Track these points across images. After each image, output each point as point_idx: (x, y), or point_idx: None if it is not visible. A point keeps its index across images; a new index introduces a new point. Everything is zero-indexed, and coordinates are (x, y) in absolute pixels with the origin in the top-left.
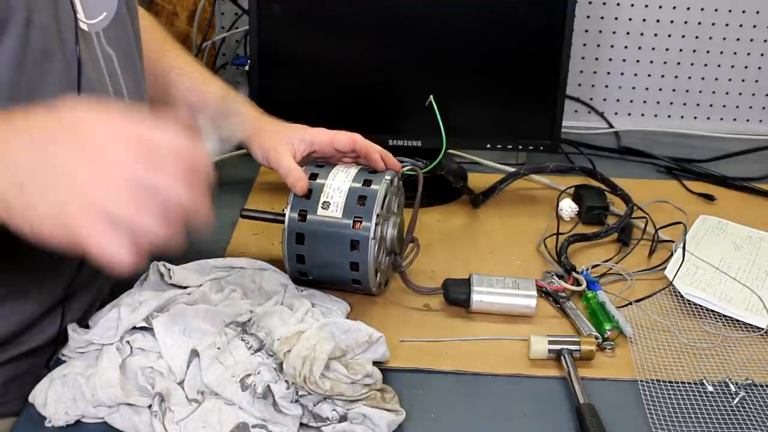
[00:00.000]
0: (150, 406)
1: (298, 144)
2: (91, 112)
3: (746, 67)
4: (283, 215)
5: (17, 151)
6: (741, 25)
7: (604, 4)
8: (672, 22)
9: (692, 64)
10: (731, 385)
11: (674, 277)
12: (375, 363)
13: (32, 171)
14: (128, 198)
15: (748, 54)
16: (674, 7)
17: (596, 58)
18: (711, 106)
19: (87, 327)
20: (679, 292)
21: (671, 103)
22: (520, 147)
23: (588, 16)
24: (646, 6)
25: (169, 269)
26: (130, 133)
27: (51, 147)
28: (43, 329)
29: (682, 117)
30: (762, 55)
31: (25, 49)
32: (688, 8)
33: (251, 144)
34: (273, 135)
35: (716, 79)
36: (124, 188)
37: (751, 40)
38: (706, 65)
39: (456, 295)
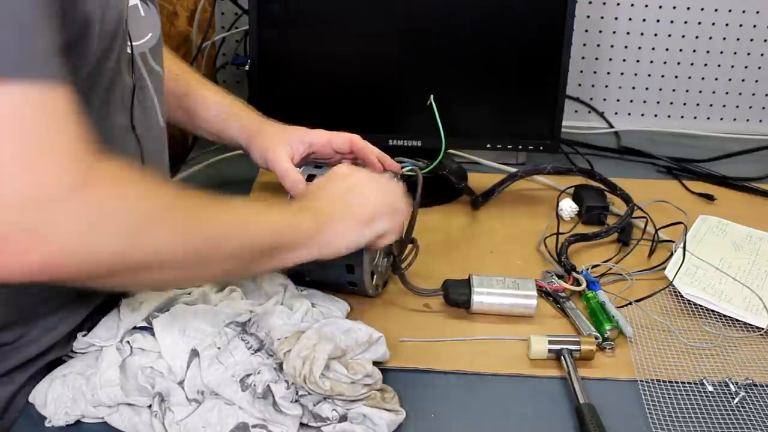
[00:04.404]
0: (150, 406)
1: (296, 145)
2: (351, 174)
3: (746, 67)
4: None
5: (329, 195)
6: (741, 25)
7: (604, 4)
8: (672, 22)
9: (692, 64)
10: (731, 385)
11: (674, 277)
12: (375, 363)
13: (342, 198)
14: (395, 204)
15: (748, 54)
16: (674, 7)
17: (596, 58)
18: (711, 106)
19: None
20: (679, 292)
21: (671, 103)
22: (520, 147)
23: (588, 16)
24: (646, 6)
25: None
26: (374, 179)
27: (347, 187)
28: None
29: (682, 117)
30: (762, 55)
31: (97, 78)
32: (688, 8)
33: (250, 146)
34: (271, 136)
35: (716, 79)
36: (390, 201)
37: (751, 40)
38: (706, 65)
39: (456, 297)
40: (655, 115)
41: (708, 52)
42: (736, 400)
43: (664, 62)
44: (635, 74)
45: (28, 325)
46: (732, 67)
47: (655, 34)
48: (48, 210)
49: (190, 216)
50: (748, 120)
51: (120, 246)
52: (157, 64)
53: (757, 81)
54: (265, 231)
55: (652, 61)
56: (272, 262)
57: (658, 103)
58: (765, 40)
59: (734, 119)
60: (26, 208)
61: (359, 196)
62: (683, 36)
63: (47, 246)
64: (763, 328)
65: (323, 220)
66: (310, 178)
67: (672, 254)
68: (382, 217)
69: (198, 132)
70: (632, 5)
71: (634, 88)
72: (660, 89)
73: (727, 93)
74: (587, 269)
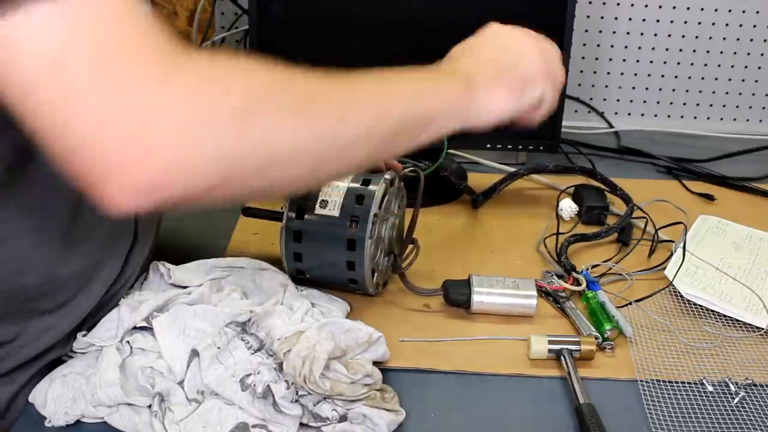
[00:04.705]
0: (150, 406)
1: None
2: (505, 32)
3: (746, 67)
4: (283, 213)
5: (478, 54)
6: (741, 25)
7: (604, 4)
8: (672, 22)
9: (692, 64)
10: (731, 385)
11: (674, 277)
12: (375, 363)
13: (495, 57)
14: (550, 82)
15: (748, 54)
16: (674, 7)
17: (596, 58)
18: (711, 106)
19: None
20: (679, 292)
21: (671, 103)
22: (520, 147)
23: (588, 16)
24: (646, 6)
25: (168, 269)
26: (530, 36)
27: (499, 47)
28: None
29: (682, 117)
30: (762, 55)
31: None
32: (688, 8)
33: None
34: None
35: (716, 79)
36: (547, 74)
37: (751, 40)
38: (706, 65)
39: (456, 297)
40: (655, 115)
41: (708, 52)
42: (736, 400)
43: (664, 62)
44: (635, 74)
45: (25, 323)
46: (732, 67)
47: (655, 34)
48: (140, 113)
49: (305, 92)
50: (748, 120)
51: (228, 137)
52: None
53: (757, 81)
54: (404, 103)
55: (652, 61)
56: (416, 138)
57: (658, 103)
58: (765, 40)
59: (734, 119)
60: (117, 117)
61: (514, 56)
62: (683, 36)
63: (150, 154)
64: (763, 328)
65: (473, 83)
66: None
67: (672, 254)
68: (538, 81)
69: None
70: (632, 5)
71: (634, 88)
72: (660, 89)
73: (727, 93)
74: (587, 269)
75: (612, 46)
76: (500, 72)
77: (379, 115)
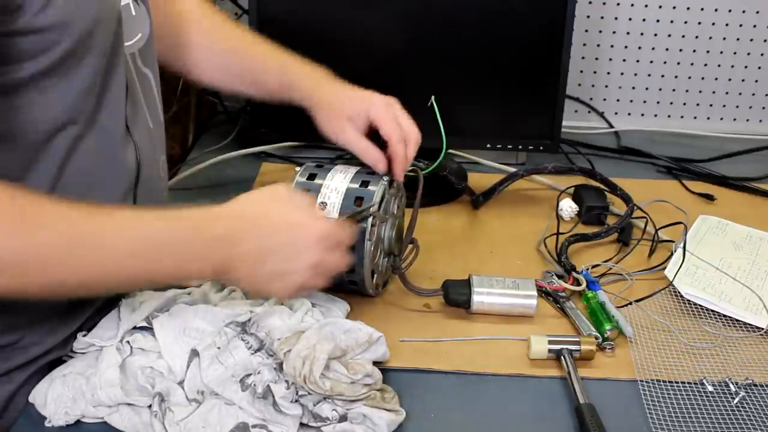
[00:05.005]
0: (150, 406)
1: (358, 120)
2: (286, 208)
3: (746, 67)
4: None
5: (241, 239)
6: (741, 25)
7: (604, 4)
8: (672, 22)
9: (692, 64)
10: (731, 385)
11: (674, 277)
12: (375, 363)
13: (253, 253)
14: (315, 275)
15: (748, 54)
16: (674, 7)
17: (596, 58)
18: (711, 106)
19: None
20: (679, 292)
21: (671, 103)
22: (520, 147)
23: (588, 16)
24: (646, 6)
25: None
26: (315, 230)
27: (267, 242)
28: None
29: (682, 117)
30: (762, 55)
31: (107, 78)
32: (688, 8)
33: (314, 115)
34: (339, 109)
35: (716, 79)
36: (313, 270)
37: (751, 40)
38: (706, 65)
39: (456, 297)
40: (655, 115)
41: (708, 52)
42: (736, 400)
43: (664, 62)
44: (635, 74)
45: (29, 328)
46: (732, 67)
47: (655, 34)
48: None
49: (52, 261)
50: (748, 120)
51: None
52: (146, 65)
53: (757, 81)
54: (154, 272)
55: (652, 61)
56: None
57: (658, 103)
58: (765, 40)
59: (734, 119)
60: None
61: (286, 251)
62: (683, 36)
63: None
64: (763, 328)
65: (235, 257)
66: (310, 177)
67: (672, 254)
68: (298, 276)
69: (260, 98)
70: (632, 5)
71: (634, 88)
72: (660, 89)
73: (727, 93)
74: (587, 269)
75: (612, 46)
76: (265, 259)
77: (116, 285)
